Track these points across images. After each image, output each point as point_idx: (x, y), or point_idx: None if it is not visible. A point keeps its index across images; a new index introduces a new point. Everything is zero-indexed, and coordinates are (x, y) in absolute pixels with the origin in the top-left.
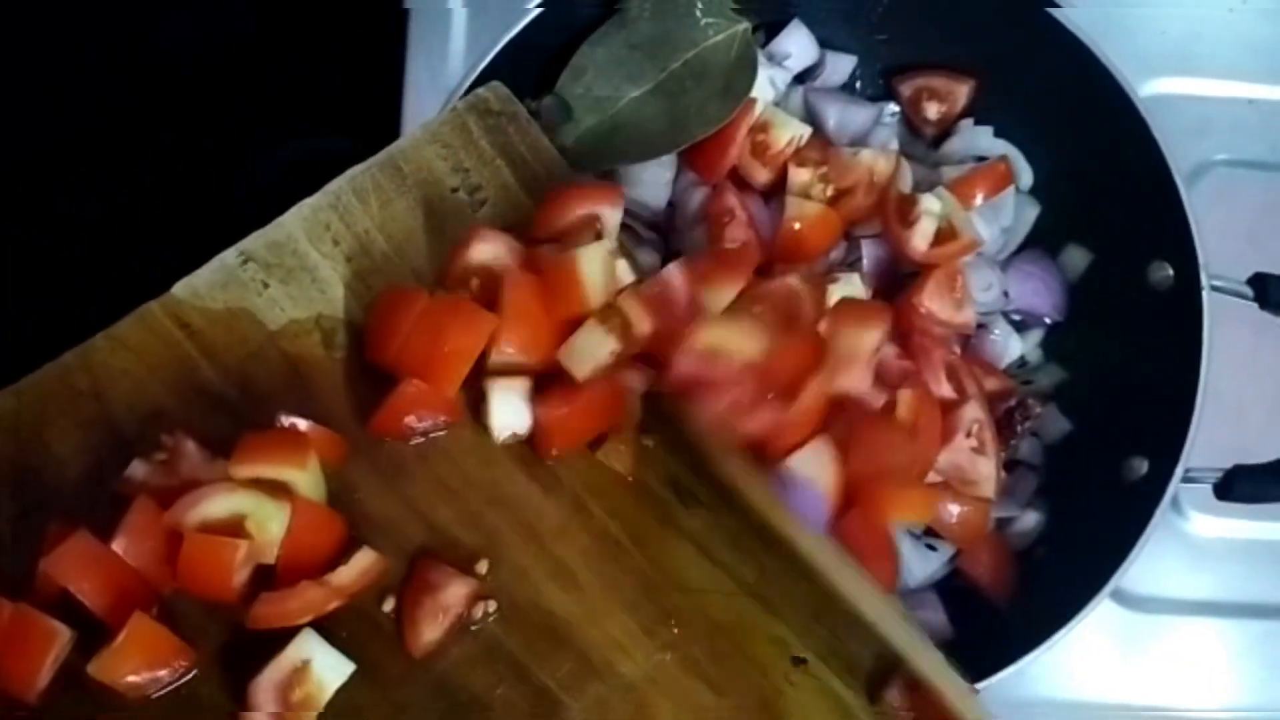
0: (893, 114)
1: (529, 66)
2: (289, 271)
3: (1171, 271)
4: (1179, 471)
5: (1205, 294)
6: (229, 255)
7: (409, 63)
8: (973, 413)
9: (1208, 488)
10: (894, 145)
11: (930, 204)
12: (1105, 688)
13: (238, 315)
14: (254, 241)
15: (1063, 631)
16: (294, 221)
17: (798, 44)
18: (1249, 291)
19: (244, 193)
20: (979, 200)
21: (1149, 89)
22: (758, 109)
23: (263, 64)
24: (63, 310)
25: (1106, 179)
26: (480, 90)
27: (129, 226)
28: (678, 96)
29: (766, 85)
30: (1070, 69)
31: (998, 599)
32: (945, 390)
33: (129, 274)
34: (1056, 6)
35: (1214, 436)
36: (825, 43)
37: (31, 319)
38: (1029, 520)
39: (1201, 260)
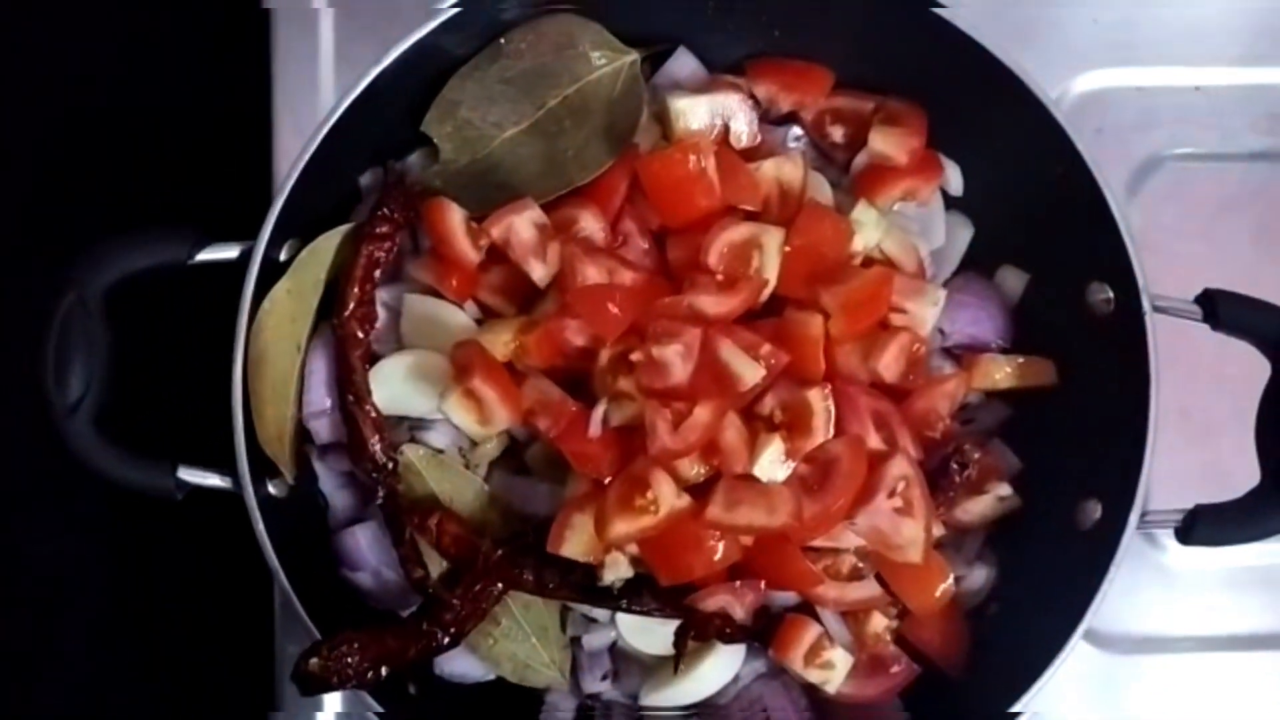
0: (797, 139)
1: (403, 97)
2: None
3: (1111, 294)
4: (1133, 519)
5: (1148, 318)
6: None
7: (276, 65)
8: (898, 469)
9: None
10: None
11: (865, 213)
12: None
13: None
14: None
15: (1022, 703)
16: None
17: (686, 69)
18: (1197, 311)
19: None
20: (898, 196)
21: (1085, 84)
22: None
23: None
24: None
25: (1033, 194)
26: None
27: None
28: (555, 137)
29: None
30: (973, 76)
31: (949, 669)
32: (874, 442)
33: None
34: (940, 6)
35: (1184, 459)
36: (712, 66)
37: None
38: (978, 577)
39: (1141, 282)
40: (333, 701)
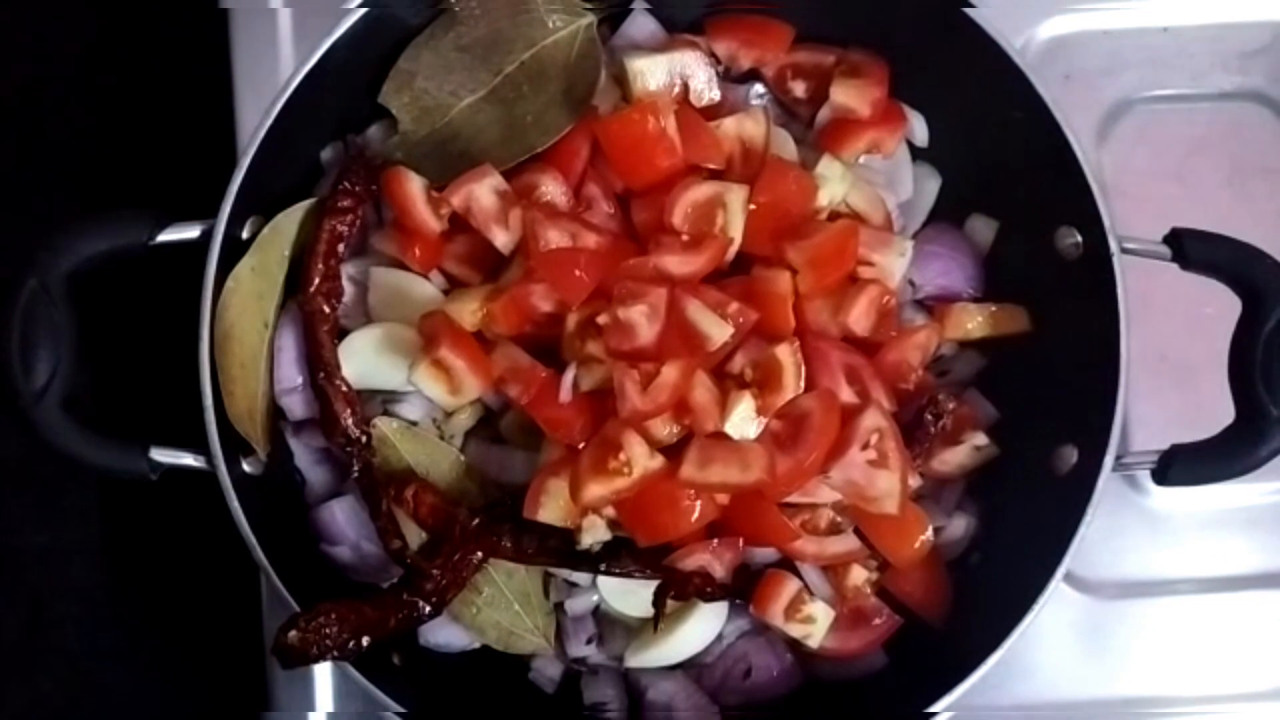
0: (759, 96)
1: (360, 69)
2: None
3: (1080, 238)
4: (1108, 461)
5: (1116, 260)
6: None
7: (236, 64)
8: (871, 421)
9: None
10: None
11: (829, 168)
12: (1075, 685)
13: None
14: None
15: (1004, 648)
16: None
17: (644, 29)
18: (1165, 251)
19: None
20: (862, 149)
21: (1051, 29)
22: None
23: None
24: None
25: (999, 142)
26: None
27: None
28: (514, 103)
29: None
30: (934, 24)
31: (932, 619)
32: (847, 395)
33: None
34: None
35: (1165, 402)
36: (670, 26)
37: None
38: (957, 527)
39: (1108, 224)
40: (324, 702)
